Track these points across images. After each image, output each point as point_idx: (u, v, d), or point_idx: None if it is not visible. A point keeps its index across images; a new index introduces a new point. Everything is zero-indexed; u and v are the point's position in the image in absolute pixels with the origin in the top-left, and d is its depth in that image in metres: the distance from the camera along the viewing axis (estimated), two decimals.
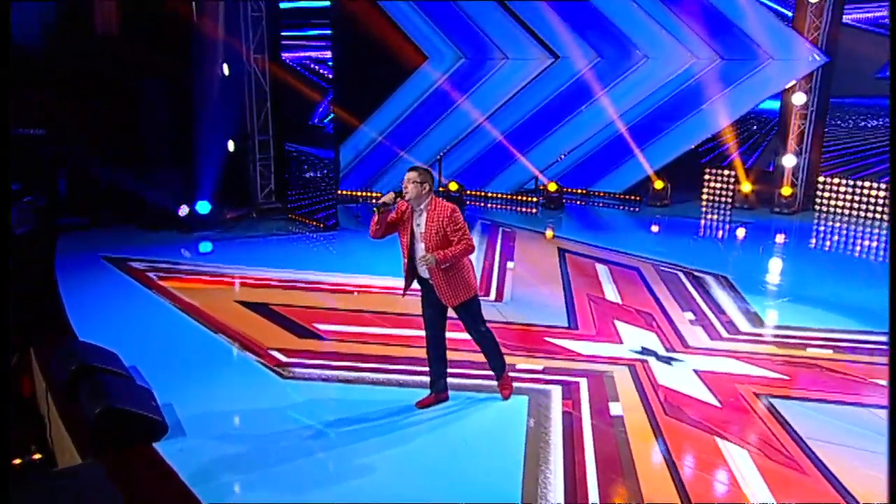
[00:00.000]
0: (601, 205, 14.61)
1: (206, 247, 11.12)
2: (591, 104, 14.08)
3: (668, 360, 6.87)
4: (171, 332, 7.53)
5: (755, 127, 14.44)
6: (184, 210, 11.72)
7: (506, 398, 5.92)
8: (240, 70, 12.54)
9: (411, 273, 5.57)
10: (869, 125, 13.34)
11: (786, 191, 13.68)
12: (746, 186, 14.08)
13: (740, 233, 12.70)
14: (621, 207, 14.46)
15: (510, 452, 5.20)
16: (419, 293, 5.70)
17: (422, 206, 5.37)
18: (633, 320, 7.93)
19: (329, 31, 11.62)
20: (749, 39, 13.27)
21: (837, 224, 13.27)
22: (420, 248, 5.40)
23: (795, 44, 13.11)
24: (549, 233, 12.75)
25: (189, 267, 10.05)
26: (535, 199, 14.55)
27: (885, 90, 12.84)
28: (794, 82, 13.41)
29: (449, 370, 5.90)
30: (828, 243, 12.50)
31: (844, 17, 13.05)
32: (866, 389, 6.32)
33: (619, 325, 7.75)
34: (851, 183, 13.59)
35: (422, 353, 5.98)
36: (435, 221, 5.32)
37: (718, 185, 14.80)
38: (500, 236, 11.78)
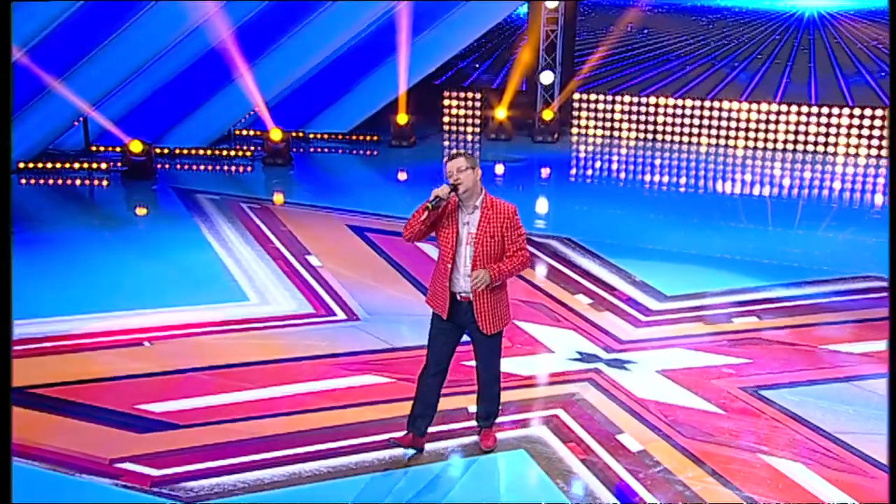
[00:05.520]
0: (325, 150, 14.71)
1: None
2: (315, 18, 13.84)
3: (620, 365, 7.55)
4: None
5: (500, 38, 15.71)
6: None
7: (486, 448, 6.12)
8: None
9: (449, 285, 5.61)
10: (625, 30, 15.42)
11: (547, 114, 15.18)
12: (501, 112, 15.31)
13: (499, 169, 13.93)
14: (355, 152, 14.68)
15: None
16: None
17: (476, 203, 5.50)
18: (534, 318, 8.42)
19: None
20: None
21: (623, 151, 15.27)
22: (466, 252, 5.52)
23: None
24: (278, 197, 12.60)
25: None
26: (249, 153, 14.03)
27: None
28: None
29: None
30: (622, 175, 14.42)
31: None
32: (825, 360, 7.79)
33: (528, 328, 8.20)
34: (611, 99, 15.66)
35: (347, 415, 6.46)
36: (492, 222, 5.48)
37: (463, 113, 15.86)
38: (255, 217, 11.27)
